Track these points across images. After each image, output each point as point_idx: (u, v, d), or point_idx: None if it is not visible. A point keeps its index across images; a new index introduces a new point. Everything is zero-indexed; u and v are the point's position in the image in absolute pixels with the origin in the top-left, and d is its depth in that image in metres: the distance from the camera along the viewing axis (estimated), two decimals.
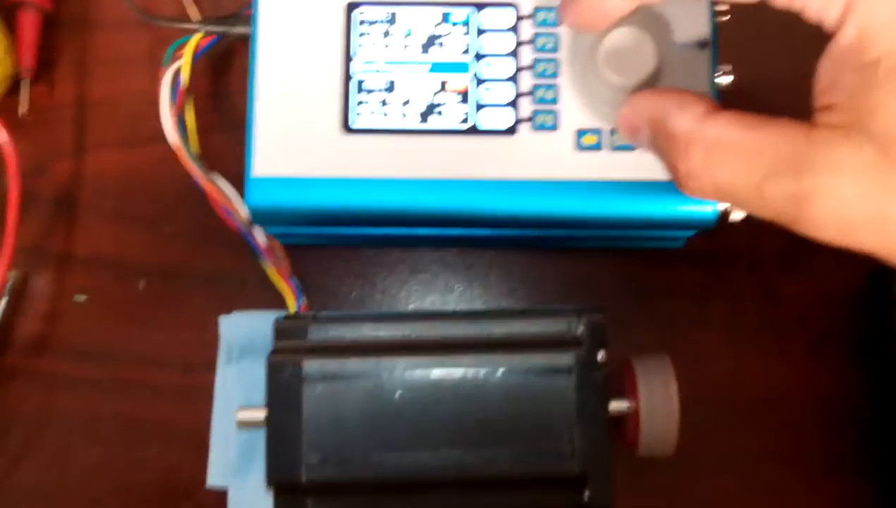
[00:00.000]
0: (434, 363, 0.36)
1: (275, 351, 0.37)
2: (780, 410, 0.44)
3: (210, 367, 0.44)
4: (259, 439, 0.41)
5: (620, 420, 0.37)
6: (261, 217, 0.39)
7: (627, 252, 0.45)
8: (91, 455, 0.44)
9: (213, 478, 0.43)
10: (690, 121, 0.30)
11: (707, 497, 0.44)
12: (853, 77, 0.27)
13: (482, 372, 0.36)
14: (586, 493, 0.35)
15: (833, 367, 0.45)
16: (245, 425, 0.38)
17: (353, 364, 0.36)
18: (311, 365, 0.36)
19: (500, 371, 0.36)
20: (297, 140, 0.38)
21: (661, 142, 0.31)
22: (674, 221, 0.38)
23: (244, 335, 0.43)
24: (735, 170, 0.29)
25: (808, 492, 0.44)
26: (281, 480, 0.35)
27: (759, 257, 0.45)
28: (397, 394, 0.36)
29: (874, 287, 0.44)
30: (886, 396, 0.43)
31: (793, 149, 0.28)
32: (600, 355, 0.35)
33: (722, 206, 0.38)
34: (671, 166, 0.31)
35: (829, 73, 0.28)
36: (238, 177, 0.40)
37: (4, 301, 0.45)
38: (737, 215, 0.39)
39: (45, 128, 0.47)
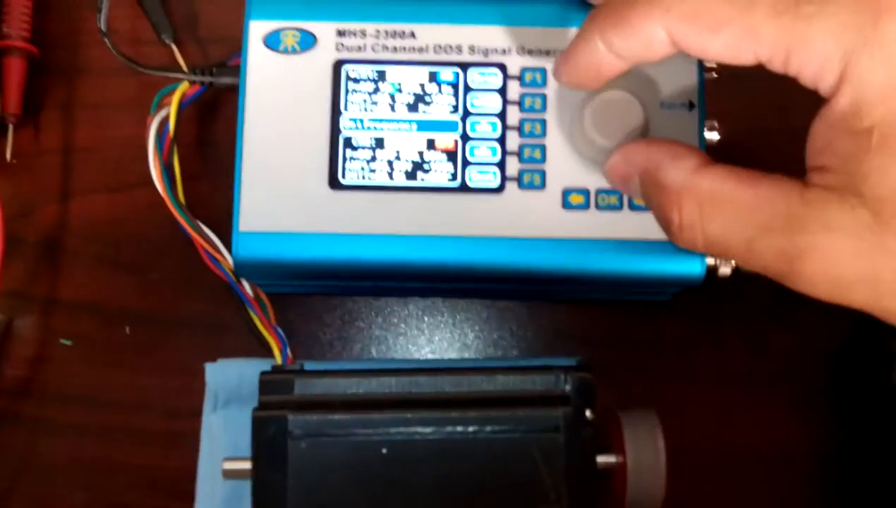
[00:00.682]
0: (421, 420, 0.36)
1: (260, 406, 0.37)
2: (766, 463, 0.45)
3: (195, 413, 0.44)
4: (245, 487, 0.41)
5: (607, 473, 0.37)
6: (247, 271, 0.39)
7: (613, 309, 0.45)
8: (75, 501, 0.44)
9: None
10: (683, 173, 0.30)
11: None
12: (847, 142, 0.28)
13: (469, 429, 0.36)
14: None
15: (818, 419, 0.45)
16: (231, 475, 0.38)
17: (339, 420, 0.36)
18: (297, 421, 0.36)
19: (488, 428, 0.36)
20: (285, 195, 0.38)
21: (653, 194, 0.31)
22: (661, 279, 0.38)
23: (230, 382, 0.43)
24: (728, 224, 0.29)
25: None
26: None
27: (745, 310, 0.46)
28: (384, 451, 0.36)
29: (857, 342, 0.44)
30: (873, 450, 0.43)
31: (787, 207, 0.28)
32: (588, 413, 0.35)
33: (711, 262, 0.38)
34: (662, 218, 0.31)
35: (822, 135, 0.29)
36: (224, 224, 0.40)
37: None
38: (725, 271, 0.39)
39: (30, 173, 0.47)
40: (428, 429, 0.36)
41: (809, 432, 0.45)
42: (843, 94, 0.28)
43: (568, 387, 0.36)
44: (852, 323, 0.45)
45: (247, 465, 0.37)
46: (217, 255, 0.43)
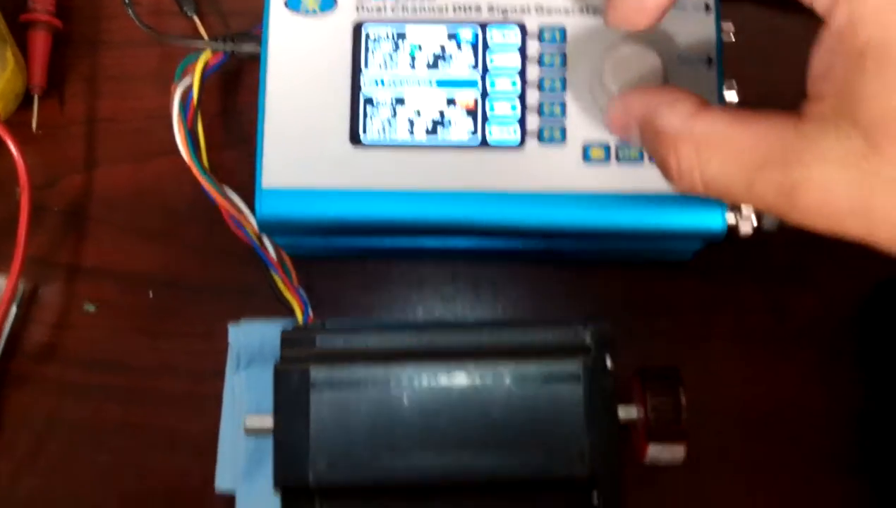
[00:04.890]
0: (442, 370, 0.36)
1: (282, 360, 0.37)
2: (788, 421, 0.45)
3: (218, 376, 0.44)
4: (267, 444, 0.42)
5: (629, 429, 0.37)
6: (270, 227, 0.39)
7: (634, 265, 0.45)
8: (98, 462, 0.45)
9: (222, 483, 0.43)
10: (680, 117, 0.30)
11: (717, 503, 0.44)
12: (843, 64, 0.28)
13: (490, 379, 0.36)
14: (595, 497, 0.35)
15: (840, 379, 0.45)
16: (253, 432, 0.38)
17: (361, 371, 0.37)
18: (319, 373, 0.37)
19: (508, 378, 0.36)
20: (307, 152, 0.38)
21: (651, 140, 0.31)
22: (682, 233, 0.38)
23: (253, 343, 0.44)
24: (725, 165, 0.29)
25: (816, 498, 0.44)
26: (288, 484, 0.36)
27: (766, 271, 0.46)
28: (405, 401, 0.36)
29: (880, 298, 0.44)
30: (891, 407, 0.43)
31: (782, 142, 0.28)
32: (608, 362, 0.35)
33: (732, 221, 0.38)
34: (662, 163, 0.31)
35: (821, 60, 0.29)
36: (247, 191, 0.41)
37: (14, 310, 0.45)
38: (746, 229, 0.40)
39: (55, 144, 0.48)
40: (448, 380, 0.36)
41: (830, 392, 0.45)
42: (838, 11, 0.28)
43: (587, 339, 0.36)
44: (875, 284, 0.44)
45: (269, 421, 0.38)
46: (241, 218, 0.43)
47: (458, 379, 0.36)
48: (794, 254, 0.46)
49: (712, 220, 0.38)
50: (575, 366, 0.36)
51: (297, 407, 0.36)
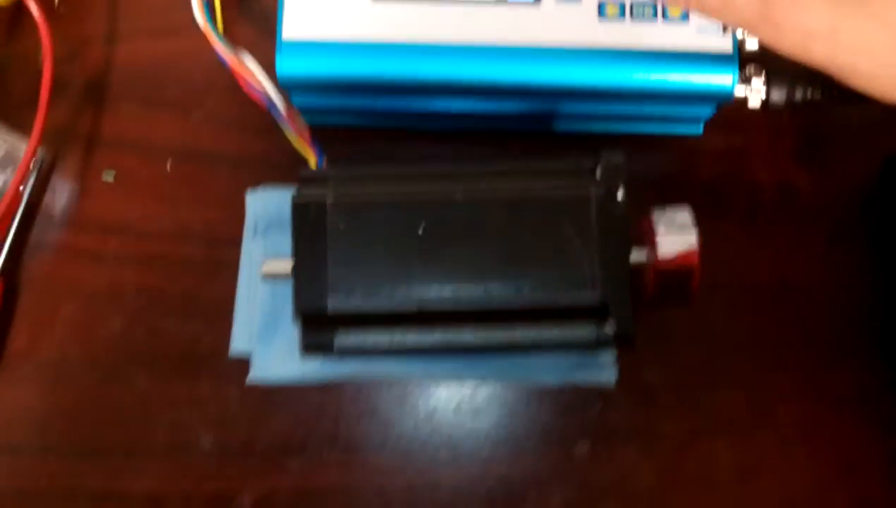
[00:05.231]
0: (456, 190, 0.37)
1: (299, 196, 0.37)
2: (796, 297, 0.46)
3: (235, 243, 0.45)
4: (282, 305, 0.43)
5: (640, 272, 0.37)
6: (290, 81, 0.40)
7: (647, 146, 0.45)
8: (113, 326, 0.45)
9: (237, 346, 0.44)
10: None
11: (726, 376, 0.45)
12: None
13: (504, 197, 0.36)
14: (608, 324, 0.36)
15: (847, 257, 0.46)
16: (271, 276, 0.39)
17: (375, 202, 0.37)
18: (335, 202, 0.37)
19: (522, 197, 0.37)
20: (328, 5, 0.39)
21: None
22: (692, 92, 0.39)
23: (270, 209, 0.45)
24: None
25: (824, 375, 0.45)
26: (308, 312, 0.36)
27: (776, 152, 0.46)
28: (421, 222, 0.36)
29: (887, 175, 0.44)
30: None
31: None
32: (619, 193, 0.36)
33: (740, 93, 0.38)
34: None
35: None
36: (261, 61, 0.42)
37: (33, 177, 0.46)
38: (755, 103, 0.40)
39: (77, 19, 0.48)
40: (463, 200, 0.37)
41: (839, 267, 0.46)
42: None
43: (599, 170, 0.37)
44: (883, 162, 0.45)
45: (287, 265, 0.38)
46: (254, 79, 0.43)
47: (473, 199, 0.36)
48: (802, 136, 0.46)
49: (722, 79, 0.38)
50: (587, 190, 0.36)
51: (314, 238, 0.37)
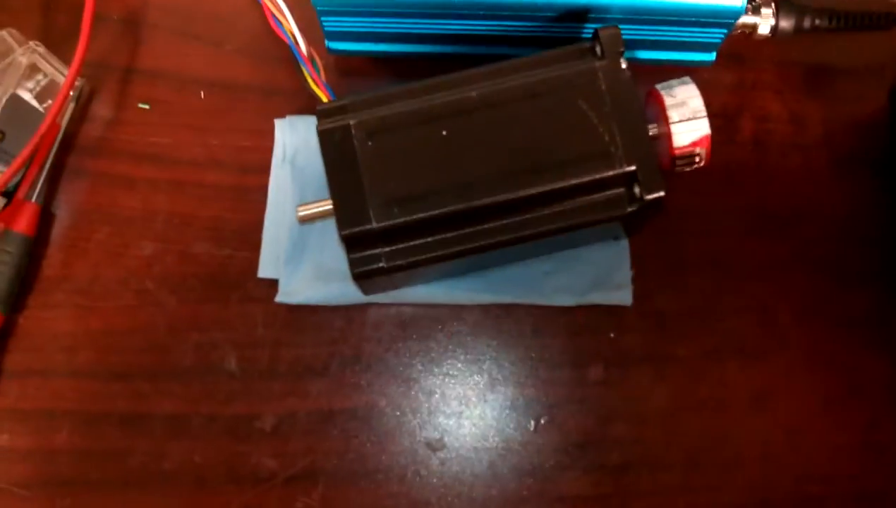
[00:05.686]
0: (470, 90, 0.38)
1: (321, 124, 0.39)
2: (806, 223, 0.47)
3: (264, 170, 0.47)
4: (309, 232, 0.44)
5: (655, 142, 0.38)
6: (323, 2, 0.42)
7: (661, 76, 0.47)
8: (144, 249, 0.47)
9: (265, 269, 0.46)
10: None
11: (738, 300, 0.46)
12: None
13: (516, 87, 0.38)
14: (637, 188, 0.37)
15: (855, 185, 0.47)
16: (307, 220, 0.40)
17: (396, 109, 0.38)
18: (359, 122, 0.38)
19: (534, 84, 0.38)
20: None
21: None
22: (705, 12, 0.40)
23: (298, 136, 0.46)
24: None
25: (833, 298, 0.46)
26: (353, 232, 0.37)
27: (785, 82, 0.48)
28: (443, 131, 0.37)
29: (894, 103, 0.46)
30: None
31: None
32: (622, 62, 0.37)
33: (750, 20, 0.40)
34: None
35: None
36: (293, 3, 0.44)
37: (71, 106, 0.48)
38: (764, 30, 0.42)
39: None
40: (479, 95, 0.38)
41: (847, 194, 0.47)
42: None
43: (598, 47, 0.38)
44: (890, 91, 0.46)
45: (319, 207, 0.39)
46: (281, 16, 0.45)
47: (488, 92, 0.37)
48: (811, 67, 0.48)
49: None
50: (591, 65, 0.38)
51: (345, 161, 0.38)
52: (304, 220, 0.41)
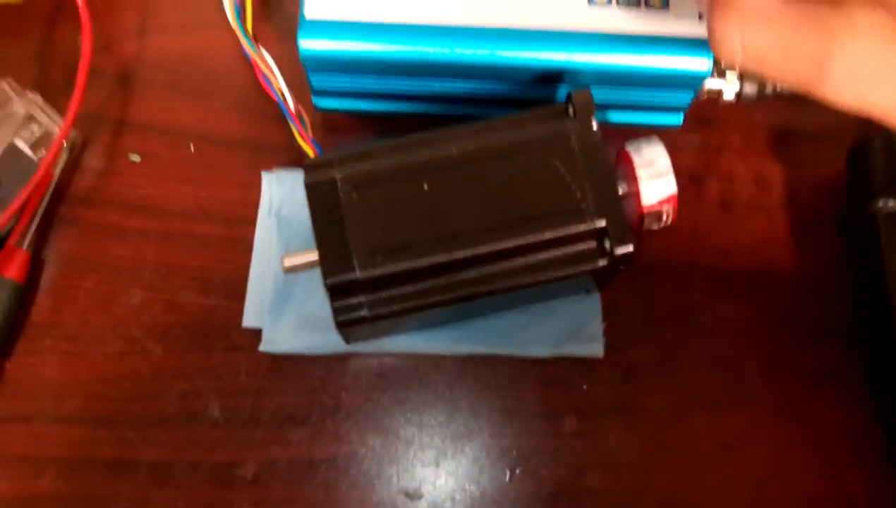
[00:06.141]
0: (450, 147, 0.40)
1: (308, 178, 0.40)
2: (771, 281, 0.49)
3: (251, 222, 0.48)
4: (293, 282, 0.46)
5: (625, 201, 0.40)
6: (311, 59, 0.44)
7: (630, 138, 0.49)
8: (132, 298, 0.48)
9: (249, 319, 0.47)
10: None
11: (707, 355, 0.48)
12: None
13: (494, 145, 0.40)
14: (607, 242, 0.39)
15: (818, 244, 0.49)
16: (292, 269, 0.42)
17: (380, 164, 0.40)
18: (344, 176, 0.40)
19: (510, 143, 0.40)
20: None
21: (709, 5, 0.34)
22: (672, 75, 0.43)
23: (284, 188, 0.48)
24: (765, 34, 0.32)
25: (798, 355, 0.48)
26: (337, 282, 0.39)
27: (750, 145, 0.51)
28: (425, 185, 0.39)
29: (851, 165, 0.48)
30: (867, 270, 0.47)
31: (819, 18, 0.31)
32: (594, 123, 0.39)
33: (714, 86, 0.44)
34: (710, 28, 0.34)
35: None
36: (280, 60, 0.47)
37: (65, 157, 0.49)
38: (729, 96, 0.44)
39: (112, 14, 0.52)
40: (457, 150, 0.40)
41: (810, 254, 0.49)
42: None
43: (570, 109, 0.40)
44: (847, 154, 0.49)
45: (305, 257, 0.41)
46: (271, 76, 0.47)
47: (467, 148, 0.39)
48: (775, 130, 0.50)
49: (700, 63, 0.42)
50: (565, 126, 0.40)
51: (331, 213, 0.39)
52: (290, 270, 0.42)
